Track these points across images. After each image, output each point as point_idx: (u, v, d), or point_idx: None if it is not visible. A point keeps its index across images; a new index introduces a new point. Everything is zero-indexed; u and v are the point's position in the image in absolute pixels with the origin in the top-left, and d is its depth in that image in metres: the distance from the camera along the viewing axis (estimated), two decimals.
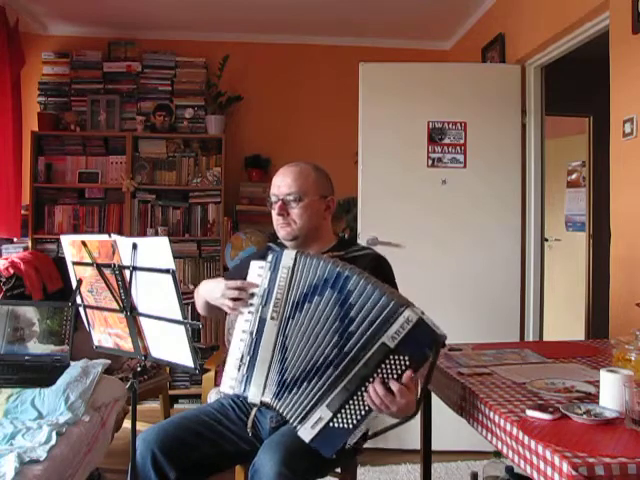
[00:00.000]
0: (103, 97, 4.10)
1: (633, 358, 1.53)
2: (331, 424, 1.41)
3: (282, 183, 1.73)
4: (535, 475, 1.19)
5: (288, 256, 1.51)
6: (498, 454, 2.12)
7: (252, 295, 1.53)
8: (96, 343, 1.63)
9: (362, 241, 3.11)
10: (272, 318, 1.49)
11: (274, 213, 1.74)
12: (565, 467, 1.07)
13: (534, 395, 1.45)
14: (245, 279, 1.55)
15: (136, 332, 1.50)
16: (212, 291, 1.61)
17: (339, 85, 4.18)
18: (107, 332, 1.58)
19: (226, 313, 1.62)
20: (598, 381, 1.36)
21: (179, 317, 1.37)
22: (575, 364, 1.75)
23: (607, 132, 2.47)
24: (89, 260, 1.51)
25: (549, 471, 1.13)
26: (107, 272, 1.48)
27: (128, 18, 3.99)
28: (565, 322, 4.86)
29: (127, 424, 2.51)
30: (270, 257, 1.53)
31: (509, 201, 3.18)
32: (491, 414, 1.39)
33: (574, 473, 1.05)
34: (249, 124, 4.34)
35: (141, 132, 4.08)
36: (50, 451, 1.89)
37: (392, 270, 1.77)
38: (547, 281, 3.49)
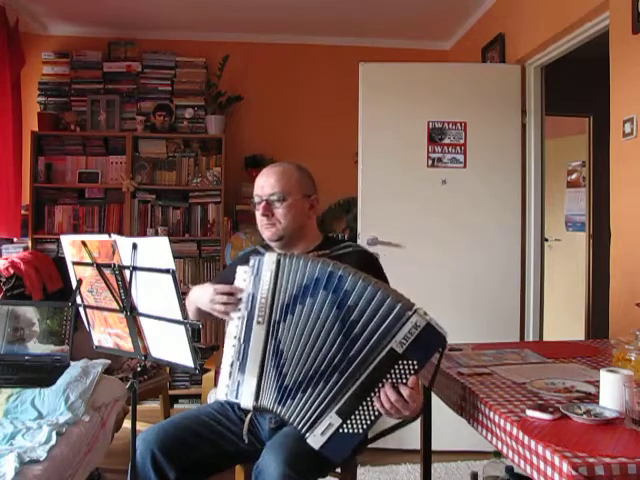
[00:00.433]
0: (103, 97, 4.10)
1: (633, 358, 1.53)
2: (341, 430, 1.40)
3: (265, 183, 1.72)
4: (535, 475, 1.18)
5: (270, 259, 1.51)
6: (498, 454, 2.12)
7: (240, 300, 1.53)
8: (96, 343, 1.63)
9: (362, 241, 3.11)
10: (258, 323, 1.49)
11: (258, 214, 1.73)
12: (565, 467, 1.07)
13: (534, 395, 1.45)
14: (233, 283, 1.56)
15: (136, 332, 1.50)
16: (202, 297, 1.61)
17: (339, 85, 4.18)
18: (107, 332, 1.58)
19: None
20: (598, 381, 1.36)
21: (179, 317, 1.37)
22: (575, 364, 1.75)
23: (607, 132, 2.47)
24: (89, 260, 1.51)
25: (549, 471, 1.13)
26: (107, 272, 1.48)
27: (128, 18, 3.99)
28: (565, 322, 4.86)
29: (127, 424, 2.51)
30: (252, 262, 1.54)
31: (509, 201, 3.18)
32: (491, 414, 1.39)
33: (574, 473, 1.05)
34: (249, 124, 4.34)
35: (141, 132, 4.08)
36: (50, 451, 1.89)
37: (380, 265, 1.76)
38: (547, 281, 3.49)
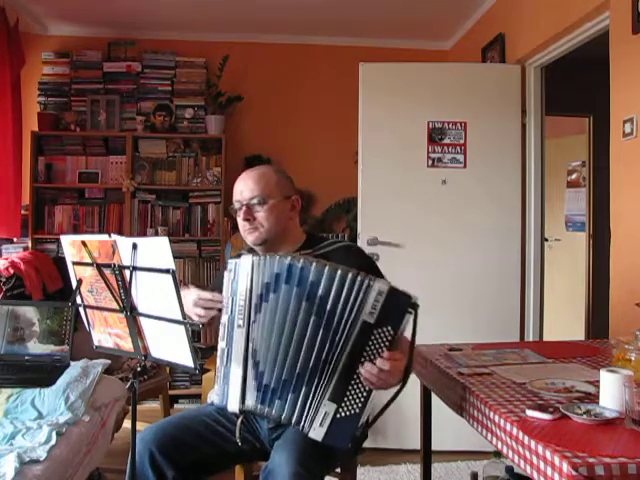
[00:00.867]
0: (103, 97, 4.10)
1: (633, 358, 1.53)
2: (338, 415, 1.42)
3: (244, 188, 1.72)
4: (535, 475, 1.19)
5: (245, 262, 1.51)
6: (498, 454, 2.12)
7: (220, 309, 1.54)
8: (96, 343, 1.63)
9: (362, 241, 3.11)
10: (239, 326, 1.50)
11: (239, 220, 1.72)
12: (565, 467, 1.07)
13: (534, 395, 1.45)
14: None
15: (136, 332, 1.50)
16: (184, 299, 1.60)
17: (339, 85, 4.17)
18: (107, 332, 1.58)
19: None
20: (598, 381, 1.36)
21: (179, 317, 1.37)
22: (575, 364, 1.75)
23: (607, 132, 2.47)
24: (89, 260, 1.51)
25: (549, 471, 1.13)
26: (107, 272, 1.48)
27: (128, 18, 3.99)
28: (565, 322, 4.85)
29: (127, 424, 2.51)
30: (229, 266, 1.54)
31: (509, 201, 3.18)
32: (491, 414, 1.39)
33: (574, 473, 1.05)
34: (249, 124, 4.34)
35: (141, 132, 4.08)
36: (50, 451, 1.89)
37: (369, 257, 1.76)
38: (547, 281, 3.49)
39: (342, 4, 3.74)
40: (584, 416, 1.26)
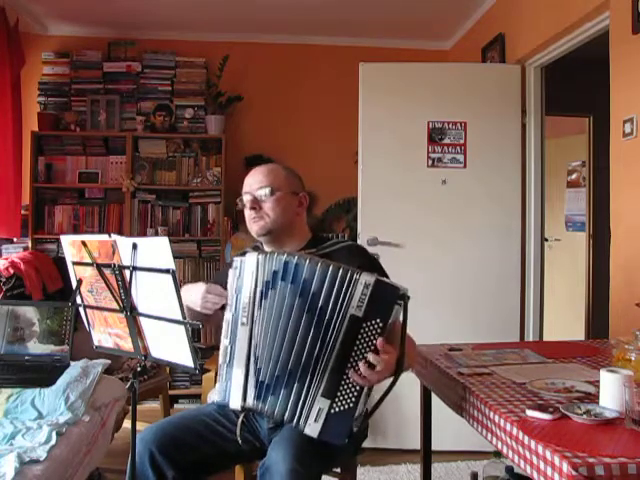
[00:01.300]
0: (103, 97, 4.10)
1: (633, 358, 1.53)
2: (332, 411, 1.42)
3: (253, 180, 1.73)
4: (535, 475, 1.19)
5: (251, 259, 1.52)
6: (498, 454, 2.12)
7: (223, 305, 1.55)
8: (96, 343, 1.63)
9: (362, 241, 3.11)
10: (242, 324, 1.51)
11: (246, 210, 1.73)
12: (565, 467, 1.07)
13: (534, 395, 1.45)
14: (226, 287, 1.58)
15: (136, 332, 1.50)
16: (193, 295, 1.61)
17: (339, 85, 4.17)
18: (107, 332, 1.58)
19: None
20: (598, 381, 1.36)
21: (179, 317, 1.37)
22: (575, 364, 1.75)
23: (607, 132, 2.47)
24: (89, 260, 1.51)
25: (549, 471, 1.13)
26: (107, 272, 1.48)
27: (128, 18, 3.99)
28: (565, 322, 4.85)
29: (127, 424, 2.51)
30: (235, 263, 1.55)
31: (509, 201, 3.18)
32: (491, 414, 1.39)
33: (574, 473, 1.05)
34: (249, 124, 4.34)
35: (141, 132, 4.08)
36: (50, 451, 1.89)
37: (372, 256, 1.76)
38: (547, 281, 3.49)
39: (342, 4, 3.74)
40: (584, 416, 1.26)
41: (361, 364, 1.39)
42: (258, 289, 1.49)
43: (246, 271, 1.52)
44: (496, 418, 1.36)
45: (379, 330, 1.40)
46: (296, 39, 4.36)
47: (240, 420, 1.62)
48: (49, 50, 4.13)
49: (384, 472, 2.86)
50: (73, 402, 2.18)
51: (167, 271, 1.35)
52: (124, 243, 1.43)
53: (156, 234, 3.94)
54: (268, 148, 4.27)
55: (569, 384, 1.49)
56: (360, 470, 2.68)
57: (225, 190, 4.08)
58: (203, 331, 4.06)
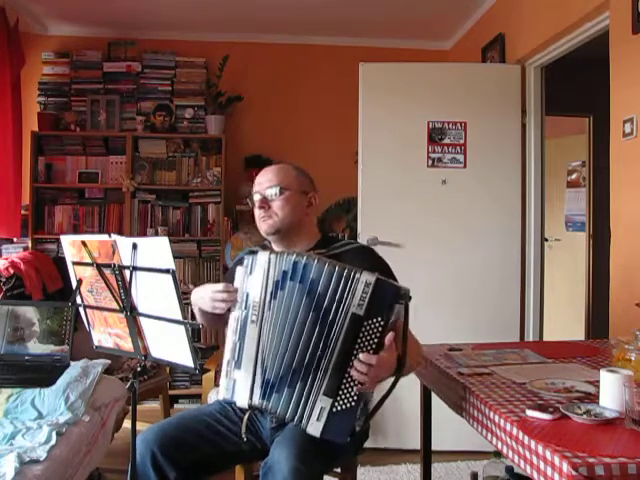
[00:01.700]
0: (103, 97, 4.10)
1: (633, 358, 1.53)
2: (334, 409, 1.42)
3: (263, 179, 1.74)
4: (535, 475, 1.19)
5: (262, 258, 1.53)
6: (498, 454, 2.12)
7: (235, 299, 1.55)
8: (96, 343, 1.63)
9: (362, 241, 3.10)
10: (252, 322, 1.52)
11: (256, 209, 1.74)
12: (565, 467, 1.07)
13: (534, 395, 1.45)
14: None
15: (136, 332, 1.50)
16: (202, 297, 1.62)
17: (339, 85, 4.17)
18: (107, 332, 1.58)
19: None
20: (598, 381, 1.36)
21: (179, 317, 1.37)
22: (575, 364, 1.75)
23: (607, 132, 2.47)
24: (89, 260, 1.51)
25: (549, 471, 1.13)
26: (107, 272, 1.48)
27: (128, 18, 3.99)
28: (565, 322, 4.85)
29: (127, 424, 2.51)
30: (246, 261, 1.56)
31: (509, 201, 3.18)
32: (491, 414, 1.39)
33: (574, 473, 1.05)
34: (249, 124, 4.34)
35: (141, 132, 4.08)
36: (50, 451, 1.89)
37: (382, 258, 1.76)
38: (547, 281, 3.49)
39: (342, 4, 3.74)
40: (584, 416, 1.26)
41: (359, 363, 1.39)
42: (269, 288, 1.50)
43: (257, 269, 1.53)
44: (496, 418, 1.36)
45: (380, 329, 1.40)
46: (296, 39, 4.36)
47: (246, 417, 1.63)
48: (49, 50, 4.13)
49: (384, 472, 2.86)
50: (73, 402, 2.18)
51: (167, 271, 1.35)
52: (124, 243, 1.43)
53: (156, 234, 3.94)
54: (268, 148, 4.27)
55: (569, 384, 1.49)
56: (360, 470, 2.68)
57: (225, 190, 4.08)
58: (203, 331, 4.06)
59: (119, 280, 1.46)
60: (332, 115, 4.28)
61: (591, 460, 1.07)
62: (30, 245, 3.93)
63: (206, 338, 4.07)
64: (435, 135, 3.17)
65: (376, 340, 1.40)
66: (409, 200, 3.16)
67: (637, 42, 2.24)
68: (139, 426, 1.61)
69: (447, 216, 3.16)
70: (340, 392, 1.42)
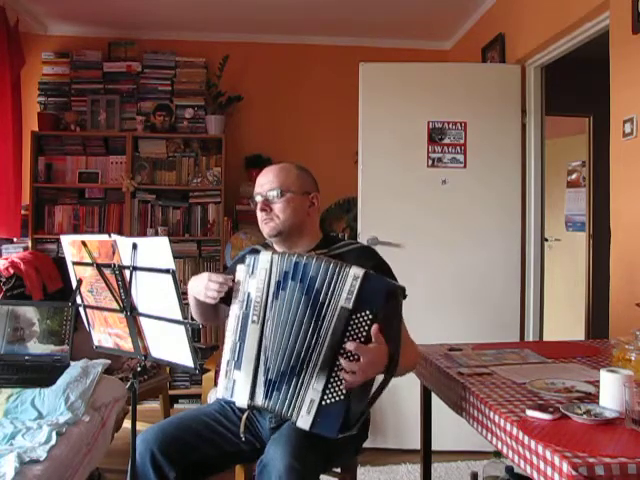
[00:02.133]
0: (103, 97, 4.10)
1: (633, 358, 1.54)
2: (323, 402, 1.42)
3: (264, 180, 1.74)
4: (535, 475, 1.19)
5: (265, 258, 1.54)
6: (498, 454, 2.12)
7: (234, 289, 1.56)
8: (96, 343, 1.63)
9: (362, 241, 3.11)
10: (253, 322, 1.52)
11: (258, 211, 1.74)
12: (565, 467, 1.07)
13: (534, 395, 1.45)
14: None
15: (136, 332, 1.50)
16: (197, 285, 1.61)
17: (339, 85, 4.18)
18: (107, 332, 1.58)
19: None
20: (598, 381, 1.36)
21: (179, 317, 1.38)
22: (575, 364, 1.75)
23: (607, 132, 2.47)
24: (89, 260, 1.51)
25: (549, 471, 1.13)
26: (107, 272, 1.48)
27: (128, 18, 3.99)
28: (565, 322, 4.86)
29: (127, 424, 2.51)
30: (247, 260, 1.56)
31: (509, 201, 3.18)
32: (491, 414, 1.39)
33: (574, 473, 1.05)
34: (249, 124, 4.34)
35: (141, 132, 4.08)
36: (50, 451, 1.89)
37: (383, 259, 1.76)
38: (547, 281, 3.49)
39: (342, 4, 3.74)
40: (584, 416, 1.26)
41: (344, 361, 1.39)
42: (271, 288, 1.51)
43: (259, 269, 1.53)
44: (496, 418, 1.36)
45: (369, 322, 1.41)
46: (296, 39, 4.36)
47: (244, 417, 1.63)
48: (49, 50, 4.12)
49: (384, 472, 2.86)
50: (73, 402, 2.18)
51: (167, 271, 1.35)
52: (124, 243, 1.43)
53: (156, 234, 3.94)
54: (268, 148, 4.27)
55: (569, 384, 1.49)
56: (360, 470, 2.68)
57: (225, 190, 4.08)
58: (203, 331, 4.06)
59: (119, 280, 1.46)
60: (332, 115, 4.28)
61: (591, 460, 1.07)
62: (30, 245, 3.93)
63: (206, 338, 4.07)
64: (435, 135, 3.17)
65: (364, 333, 1.41)
66: (409, 200, 3.16)
67: (637, 42, 2.24)
68: (139, 426, 1.61)
69: (447, 216, 3.16)
70: (329, 385, 1.43)
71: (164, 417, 3.28)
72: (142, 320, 1.48)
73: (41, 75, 4.09)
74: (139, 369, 1.53)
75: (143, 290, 1.44)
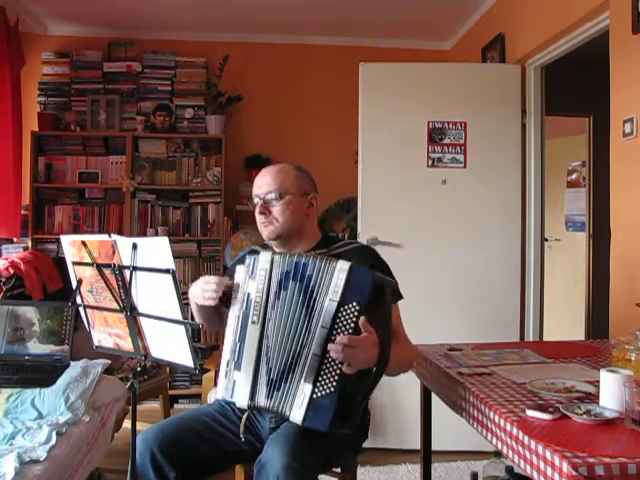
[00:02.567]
0: (103, 97, 4.10)
1: (633, 358, 1.53)
2: (314, 396, 1.43)
3: (263, 182, 1.73)
4: (535, 475, 1.19)
5: (265, 258, 1.54)
6: (498, 454, 2.12)
7: (232, 291, 1.56)
8: (96, 343, 1.63)
9: (362, 241, 3.11)
10: (253, 322, 1.53)
11: (257, 213, 1.74)
12: (565, 467, 1.07)
13: (534, 395, 1.45)
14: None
15: (136, 332, 1.50)
16: (195, 290, 1.62)
17: (339, 85, 4.18)
18: (107, 332, 1.58)
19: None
20: (598, 381, 1.36)
21: (179, 317, 1.38)
22: (575, 364, 1.75)
23: (607, 132, 2.47)
24: (89, 260, 1.51)
25: (549, 471, 1.13)
26: (107, 272, 1.48)
27: (128, 18, 3.99)
28: (565, 322, 4.85)
29: (127, 424, 2.51)
30: (247, 261, 1.56)
31: (509, 201, 3.18)
32: (491, 414, 1.39)
33: (574, 473, 1.05)
34: (249, 124, 4.34)
35: (141, 132, 4.08)
36: (50, 451, 1.89)
37: (381, 258, 1.76)
38: (547, 281, 3.49)
39: (342, 4, 3.74)
40: (584, 416, 1.26)
41: (335, 345, 1.40)
42: (272, 289, 1.52)
43: (259, 270, 1.54)
44: (496, 418, 1.36)
45: (356, 313, 1.42)
46: (296, 39, 4.36)
47: (245, 417, 1.63)
48: (49, 50, 4.12)
49: (384, 472, 2.86)
50: (73, 402, 2.18)
51: (167, 271, 1.35)
52: (124, 243, 1.43)
53: (156, 234, 3.94)
54: (268, 148, 4.27)
55: (569, 384, 1.49)
56: (360, 470, 2.68)
57: (225, 190, 4.08)
58: (203, 331, 4.06)
59: (119, 280, 1.46)
60: (332, 115, 4.28)
61: (591, 460, 1.07)
62: (30, 245, 3.93)
63: (206, 338, 4.07)
64: (435, 135, 3.17)
65: (352, 325, 1.42)
66: (409, 200, 3.16)
67: (637, 42, 2.24)
68: (139, 426, 1.61)
69: (447, 216, 3.16)
70: (320, 378, 1.43)
71: (164, 417, 3.28)
72: (142, 320, 1.48)
73: (41, 75, 4.09)
74: (139, 369, 1.53)
75: (143, 290, 1.44)
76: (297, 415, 1.44)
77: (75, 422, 2.13)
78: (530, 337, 3.22)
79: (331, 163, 4.14)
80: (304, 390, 1.44)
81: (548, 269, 3.63)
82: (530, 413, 1.30)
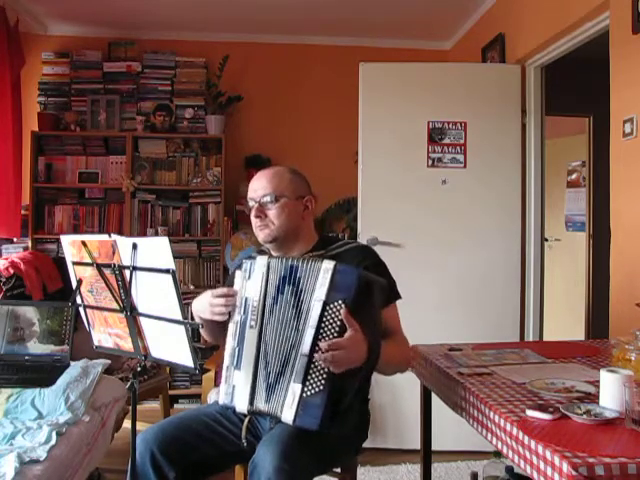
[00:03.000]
0: (103, 97, 4.10)
1: (633, 358, 1.53)
2: (304, 395, 1.44)
3: (258, 186, 1.73)
4: (535, 475, 1.19)
5: (261, 262, 1.55)
6: (498, 454, 2.12)
7: (238, 301, 1.57)
8: (96, 343, 1.63)
9: (362, 241, 3.10)
10: (251, 327, 1.54)
11: (252, 217, 1.74)
12: (565, 467, 1.07)
13: (534, 395, 1.45)
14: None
15: (136, 332, 1.50)
16: (201, 305, 1.61)
17: (339, 85, 4.17)
18: (107, 332, 1.58)
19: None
20: (598, 381, 1.36)
21: (179, 317, 1.38)
22: (575, 364, 1.75)
23: (607, 132, 2.47)
24: (89, 260, 1.51)
25: (549, 471, 1.13)
26: (107, 272, 1.48)
27: (128, 18, 3.99)
28: (565, 322, 4.85)
29: (127, 424, 2.51)
30: (244, 266, 1.57)
31: (509, 201, 3.18)
32: (491, 414, 1.39)
33: (574, 473, 1.05)
34: (249, 124, 4.34)
35: (141, 132, 4.08)
36: (50, 451, 1.89)
37: (379, 258, 1.76)
38: (547, 281, 3.49)
39: (342, 4, 3.74)
40: (584, 416, 1.26)
41: (323, 344, 1.40)
42: (269, 293, 1.52)
43: (255, 274, 1.55)
44: (496, 418, 1.36)
45: (341, 310, 1.42)
46: (296, 39, 4.36)
47: (246, 422, 1.63)
48: (49, 50, 4.12)
49: (384, 472, 2.86)
50: (73, 402, 2.18)
51: (167, 271, 1.35)
52: (124, 243, 1.43)
53: (156, 234, 3.94)
54: (268, 148, 4.27)
55: (569, 384, 1.49)
56: (360, 470, 2.68)
57: (225, 190, 4.08)
58: (203, 331, 4.06)
59: (119, 280, 1.46)
60: (332, 115, 4.28)
61: (591, 460, 1.07)
62: (30, 245, 3.93)
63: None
64: (435, 135, 3.17)
65: (339, 323, 1.42)
66: (409, 200, 3.16)
67: (637, 42, 2.24)
68: (139, 426, 1.61)
69: (447, 216, 3.16)
70: (309, 377, 1.44)
71: (164, 417, 3.28)
72: (142, 320, 1.48)
73: (41, 75, 4.09)
74: (139, 369, 1.53)
75: (143, 290, 1.44)
76: (288, 415, 1.45)
77: (75, 422, 2.12)
78: (530, 337, 3.22)
79: (331, 163, 4.14)
80: (294, 390, 1.45)
81: (548, 269, 3.63)
82: (530, 413, 1.30)
